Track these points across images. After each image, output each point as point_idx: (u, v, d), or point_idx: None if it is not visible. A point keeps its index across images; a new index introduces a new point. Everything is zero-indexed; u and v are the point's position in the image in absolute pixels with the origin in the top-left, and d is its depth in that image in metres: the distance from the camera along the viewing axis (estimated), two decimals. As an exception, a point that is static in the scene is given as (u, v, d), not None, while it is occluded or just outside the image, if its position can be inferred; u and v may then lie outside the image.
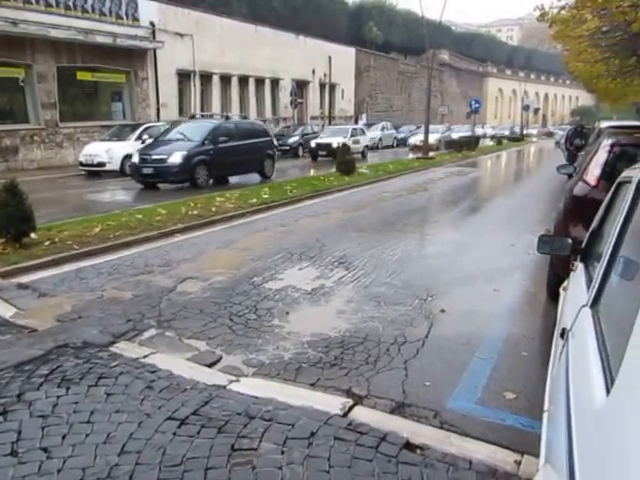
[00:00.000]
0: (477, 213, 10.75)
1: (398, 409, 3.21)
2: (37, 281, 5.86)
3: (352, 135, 24.30)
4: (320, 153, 23.92)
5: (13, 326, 4.60)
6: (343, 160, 15.52)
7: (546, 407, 1.98)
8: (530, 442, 2.74)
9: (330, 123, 34.42)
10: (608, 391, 1.17)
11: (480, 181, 17.73)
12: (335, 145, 20.60)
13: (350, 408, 3.17)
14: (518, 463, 2.66)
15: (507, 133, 45.30)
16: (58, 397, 3.33)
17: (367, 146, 25.92)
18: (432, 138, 27.00)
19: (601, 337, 1.50)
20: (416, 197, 12.57)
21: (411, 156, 24.77)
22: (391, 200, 11.97)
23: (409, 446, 2.80)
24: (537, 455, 2.53)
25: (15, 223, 6.64)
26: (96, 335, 4.34)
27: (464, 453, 2.74)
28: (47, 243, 7.03)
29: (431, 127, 27.51)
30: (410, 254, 6.97)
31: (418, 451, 2.76)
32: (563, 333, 2.00)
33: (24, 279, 5.90)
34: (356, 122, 35.96)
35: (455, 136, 31.09)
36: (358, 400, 3.30)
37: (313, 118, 34.57)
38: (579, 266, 2.65)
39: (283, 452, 2.73)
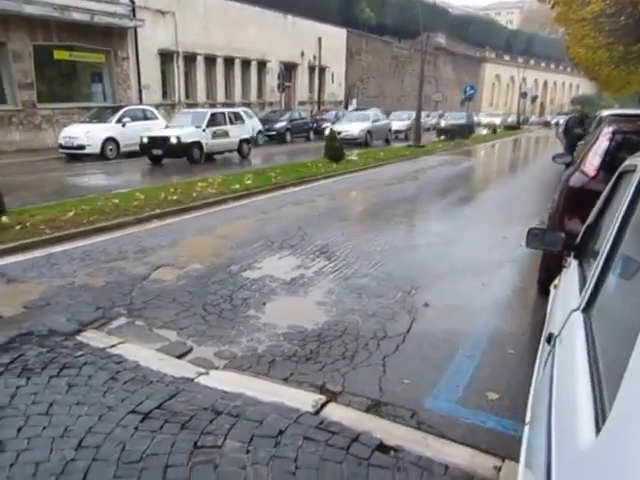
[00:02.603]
0: (468, 204, 10.58)
1: (374, 408, 3.07)
2: (5, 266, 5.64)
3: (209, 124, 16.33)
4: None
5: (-23, 312, 4.40)
6: (331, 146, 15.30)
7: (528, 418, 1.84)
8: (511, 446, 2.61)
9: (319, 108, 33.93)
10: (597, 426, 1.01)
11: (473, 171, 17.56)
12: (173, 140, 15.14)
13: (323, 405, 3.03)
14: (498, 469, 2.52)
15: (499, 122, 43.06)
16: (17, 387, 3.18)
17: (248, 141, 18.05)
18: (356, 128, 23.20)
19: (592, 347, 1.34)
20: (405, 186, 12.38)
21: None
22: (379, 188, 11.80)
23: (382, 448, 2.66)
24: (518, 460, 2.43)
25: (-16, 205, 6.43)
26: (63, 323, 4.16)
27: (440, 457, 2.61)
28: (18, 227, 6.79)
29: (358, 114, 25.82)
30: (396, 245, 6.82)
31: (392, 453, 2.63)
32: (550, 338, 1.83)
33: (-8, 263, 5.68)
34: (346, 107, 35.41)
35: (446, 123, 30.43)
36: (332, 397, 3.15)
37: (301, 103, 34.10)
38: (572, 263, 2.45)
39: (248, 451, 2.59)
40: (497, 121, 43.18)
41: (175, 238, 6.94)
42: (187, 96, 26.57)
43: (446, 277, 5.59)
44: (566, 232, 2.58)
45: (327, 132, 22.31)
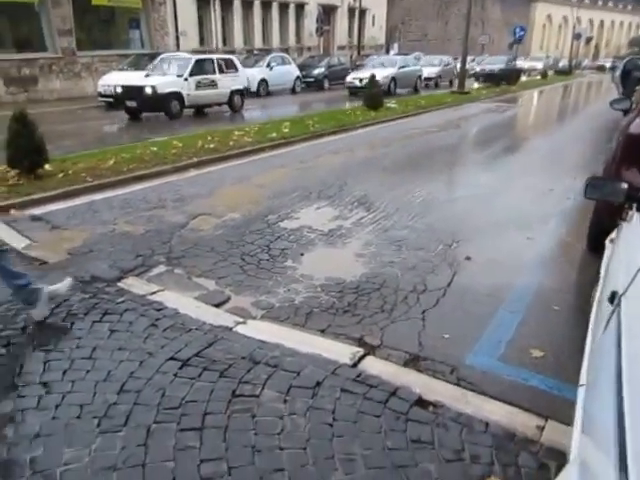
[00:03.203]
0: (513, 154, 10.12)
1: (412, 362, 3.02)
2: (50, 213, 5.75)
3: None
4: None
5: (25, 258, 4.52)
6: (370, 94, 14.87)
7: (583, 380, 1.73)
8: (555, 406, 2.54)
9: (359, 53, 32.74)
10: None
11: (519, 119, 16.79)
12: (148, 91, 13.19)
13: (360, 358, 2.99)
14: (541, 428, 2.44)
15: (540, 67, 38.35)
16: (62, 332, 3.24)
17: (242, 92, 16.02)
18: (378, 75, 18.45)
19: None
20: (447, 135, 11.94)
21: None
22: (419, 137, 11.45)
23: (421, 403, 2.62)
24: (562, 421, 2.35)
25: (28, 154, 6.50)
26: (105, 270, 4.23)
27: (481, 414, 2.55)
28: (61, 175, 6.89)
29: (384, 59, 23.77)
30: (437, 196, 6.61)
31: (430, 408, 2.58)
32: (613, 297, 1.71)
33: (37, 211, 5.80)
34: (387, 52, 34.17)
35: (481, 68, 28.58)
36: (370, 350, 3.11)
37: (340, 48, 33.06)
38: (635, 217, 2.28)
39: (285, 401, 2.59)
40: (539, 65, 39.15)
41: (213, 187, 6.92)
42: (224, 43, 26.10)
43: (489, 230, 5.41)
44: (625, 182, 2.40)
45: (348, 79, 21.52)
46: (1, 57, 17.16)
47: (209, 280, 4.09)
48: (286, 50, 27.54)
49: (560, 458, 2.11)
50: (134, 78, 14.53)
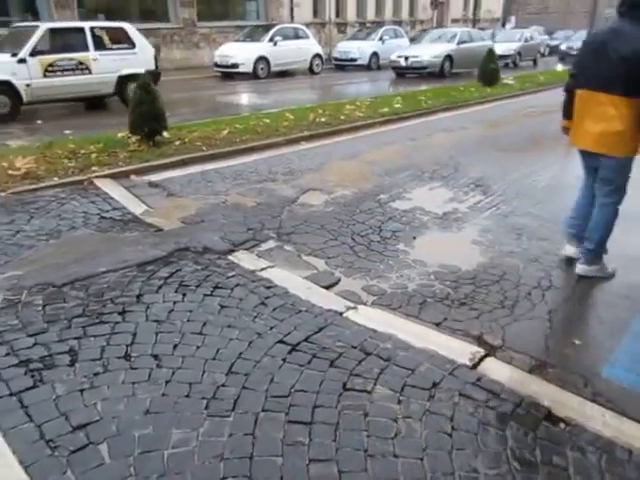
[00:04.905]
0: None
1: (539, 369, 2.71)
2: (166, 180, 5.93)
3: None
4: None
5: (142, 223, 4.68)
6: (485, 69, 13.98)
7: None
8: None
9: (474, 27, 31.09)
10: None
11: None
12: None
13: (480, 359, 2.74)
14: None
15: None
16: (174, 303, 3.27)
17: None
18: (429, 53, 17.14)
19: None
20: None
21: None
22: (539, 117, 10.58)
23: (551, 418, 2.33)
24: None
25: (148, 121, 6.72)
26: (216, 241, 4.25)
27: (622, 439, 2.22)
28: (177, 143, 7.10)
29: (443, 32, 19.91)
30: (562, 181, 6.01)
31: (562, 426, 2.29)
32: None
33: (154, 177, 6.00)
34: (503, 26, 32.23)
35: (567, 46, 24.32)
36: (490, 351, 2.84)
37: (454, 21, 31.59)
38: None
39: (400, 401, 2.41)
40: None
41: (323, 161, 6.80)
42: (337, 14, 25.77)
43: (627, 221, 4.79)
44: None
45: (392, 57, 17.59)
46: (128, 27, 18.09)
47: (319, 259, 3.98)
48: (399, 23, 26.75)
49: None
50: None
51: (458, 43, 18.04)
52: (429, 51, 17.18)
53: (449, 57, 17.56)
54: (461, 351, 2.80)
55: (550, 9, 39.81)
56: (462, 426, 2.26)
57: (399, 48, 19.17)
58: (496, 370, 2.67)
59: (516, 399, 2.43)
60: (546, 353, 2.85)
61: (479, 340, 2.95)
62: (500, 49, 20.08)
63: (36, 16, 16.34)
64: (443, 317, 3.19)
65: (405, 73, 17.22)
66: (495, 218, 4.88)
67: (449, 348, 2.83)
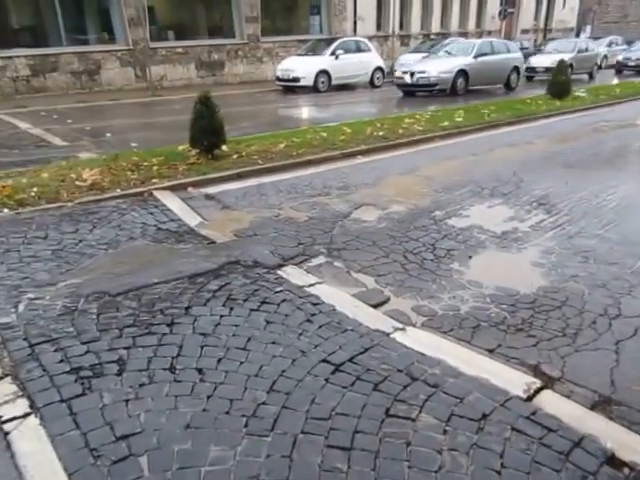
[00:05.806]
0: None
1: (602, 405, 2.50)
2: (222, 193, 6.01)
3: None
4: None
5: (196, 235, 4.74)
6: (556, 81, 13.47)
7: None
8: None
9: (544, 37, 30.17)
10: None
11: None
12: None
13: (536, 392, 2.55)
14: None
15: None
16: (221, 316, 3.27)
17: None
18: (437, 68, 15.04)
19: None
20: (646, 131, 10.37)
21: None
22: (612, 132, 10.06)
23: (613, 461, 2.13)
24: None
25: (207, 135, 6.86)
26: (267, 255, 4.24)
27: (698, 491, 2.00)
28: (235, 156, 7.21)
29: (461, 45, 17.13)
30: (634, 201, 5.67)
31: (625, 471, 2.09)
32: None
33: (211, 190, 6.10)
34: (577, 35, 31.07)
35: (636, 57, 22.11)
36: (548, 382, 2.65)
37: (524, 31, 30.73)
38: None
39: (445, 432, 2.28)
40: None
41: (379, 176, 6.71)
42: (401, 27, 25.71)
43: None
44: None
45: (397, 72, 15.98)
46: (196, 43, 18.82)
47: (368, 277, 3.88)
48: (465, 34, 26.32)
49: None
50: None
51: (475, 56, 15.67)
52: (438, 66, 15.15)
53: (463, 72, 15.34)
54: (515, 381, 2.63)
55: (630, 18, 37.82)
56: (512, 464, 2.10)
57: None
58: (553, 404, 2.48)
59: (575, 437, 2.24)
60: (611, 388, 2.63)
61: (536, 370, 2.76)
62: (536, 61, 19.01)
63: (111, 35, 17.24)
64: (497, 343, 3.02)
65: (414, 91, 15.46)
66: (559, 239, 4.63)
67: (502, 377, 2.66)
